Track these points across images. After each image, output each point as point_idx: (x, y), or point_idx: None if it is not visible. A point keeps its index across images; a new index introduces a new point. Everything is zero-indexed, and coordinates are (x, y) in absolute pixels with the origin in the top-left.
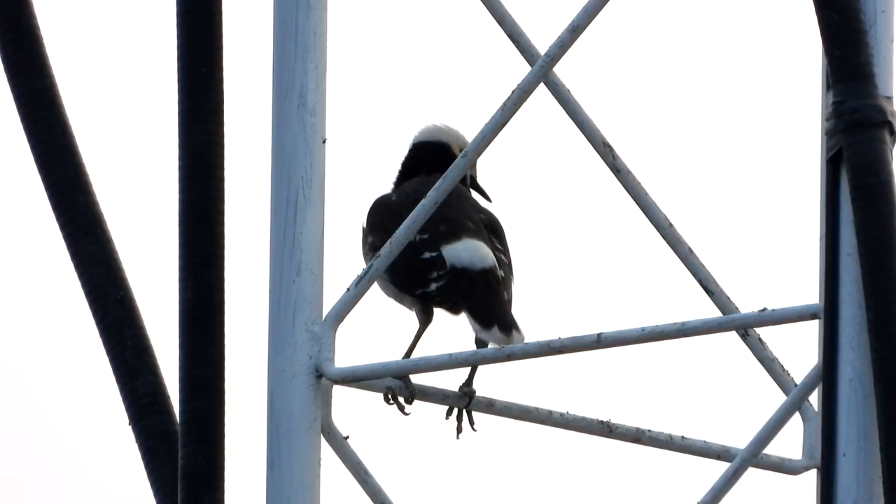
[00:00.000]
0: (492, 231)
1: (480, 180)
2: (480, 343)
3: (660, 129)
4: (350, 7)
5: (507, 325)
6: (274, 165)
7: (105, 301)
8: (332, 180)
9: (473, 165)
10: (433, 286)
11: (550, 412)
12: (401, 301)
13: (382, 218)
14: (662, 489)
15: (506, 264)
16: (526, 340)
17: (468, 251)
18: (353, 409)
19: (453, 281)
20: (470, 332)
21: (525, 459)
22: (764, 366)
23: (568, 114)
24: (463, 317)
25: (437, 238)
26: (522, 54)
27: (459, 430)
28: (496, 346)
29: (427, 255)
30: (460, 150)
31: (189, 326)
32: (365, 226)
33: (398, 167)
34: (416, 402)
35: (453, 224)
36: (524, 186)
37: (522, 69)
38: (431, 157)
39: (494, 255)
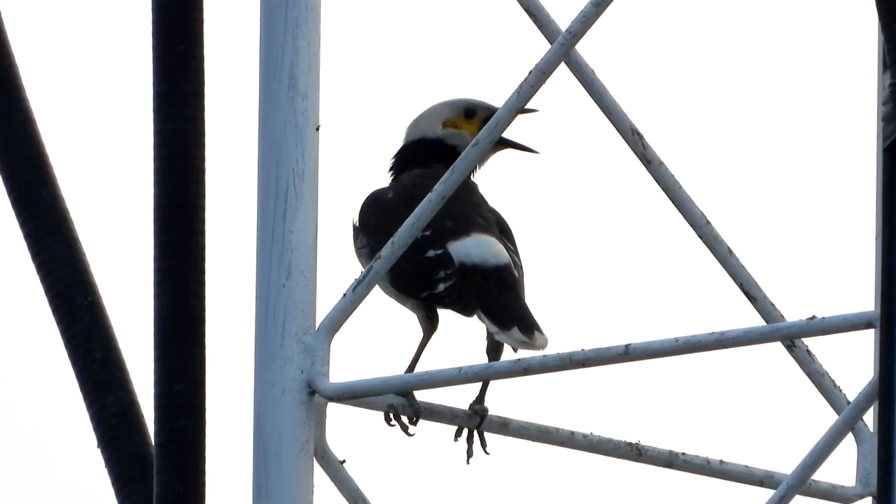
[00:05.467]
0: (501, 231)
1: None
2: (493, 355)
3: (695, 115)
4: None
5: (529, 325)
6: (261, 155)
7: (71, 308)
8: (326, 172)
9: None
10: (441, 287)
11: (573, 433)
12: (403, 303)
13: (379, 218)
14: None
15: (519, 267)
16: (550, 345)
17: (479, 247)
18: (350, 429)
19: (463, 280)
20: (481, 343)
21: (544, 486)
22: (813, 381)
23: (592, 97)
24: (475, 322)
25: (443, 234)
26: (541, 30)
27: (470, 453)
28: (516, 347)
29: (431, 253)
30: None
31: (165, 337)
32: (357, 224)
33: (392, 157)
34: (421, 421)
35: (461, 220)
36: (542, 178)
37: (541, 47)
38: (431, 152)
39: (508, 254)
